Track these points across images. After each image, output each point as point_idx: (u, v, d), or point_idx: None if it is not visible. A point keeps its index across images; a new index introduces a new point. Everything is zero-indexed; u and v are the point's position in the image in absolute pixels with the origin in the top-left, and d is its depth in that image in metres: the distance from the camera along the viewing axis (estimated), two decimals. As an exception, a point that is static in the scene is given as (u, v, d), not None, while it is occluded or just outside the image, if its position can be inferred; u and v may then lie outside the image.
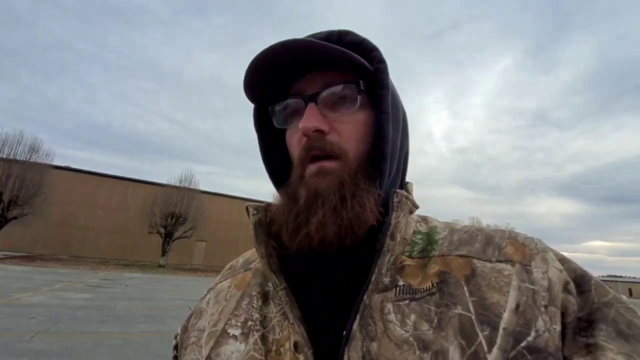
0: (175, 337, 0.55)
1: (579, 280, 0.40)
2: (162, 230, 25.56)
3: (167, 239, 25.68)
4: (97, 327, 5.99)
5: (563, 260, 0.42)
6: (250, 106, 0.57)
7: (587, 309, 0.38)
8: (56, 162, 24.70)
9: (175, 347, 0.54)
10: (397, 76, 0.52)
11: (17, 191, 20.33)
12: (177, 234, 26.13)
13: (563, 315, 0.37)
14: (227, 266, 0.61)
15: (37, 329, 5.45)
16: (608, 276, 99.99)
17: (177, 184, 27.71)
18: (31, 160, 21.79)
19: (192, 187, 28.28)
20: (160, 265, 24.89)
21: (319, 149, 0.45)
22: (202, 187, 29.96)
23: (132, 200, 28.35)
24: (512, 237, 0.45)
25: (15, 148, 21.54)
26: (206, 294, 0.56)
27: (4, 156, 20.78)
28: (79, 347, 4.82)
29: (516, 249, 0.43)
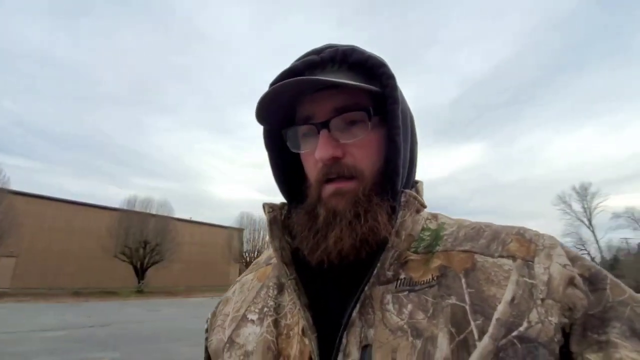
0: (207, 321, 0.61)
1: (593, 279, 0.41)
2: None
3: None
4: None
5: (575, 258, 0.43)
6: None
7: (601, 306, 0.38)
8: None
9: (206, 330, 0.60)
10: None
11: None
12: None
13: (571, 310, 0.38)
14: (254, 262, 0.66)
15: None
16: None
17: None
18: None
19: (-2, 185, 21.60)
20: None
21: (336, 172, 0.48)
22: (14, 187, 23.31)
23: None
24: (520, 234, 0.47)
25: None
26: (233, 285, 0.63)
27: None
28: None
29: (521, 245, 0.45)
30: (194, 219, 39.61)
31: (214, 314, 0.61)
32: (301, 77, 0.47)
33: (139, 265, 26.67)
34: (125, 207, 28.00)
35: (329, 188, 0.48)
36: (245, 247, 37.78)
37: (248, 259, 36.82)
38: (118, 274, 27.49)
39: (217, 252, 37.35)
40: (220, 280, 38.42)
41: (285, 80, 0.46)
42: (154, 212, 28.84)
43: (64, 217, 27.23)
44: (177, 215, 32.14)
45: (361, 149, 0.49)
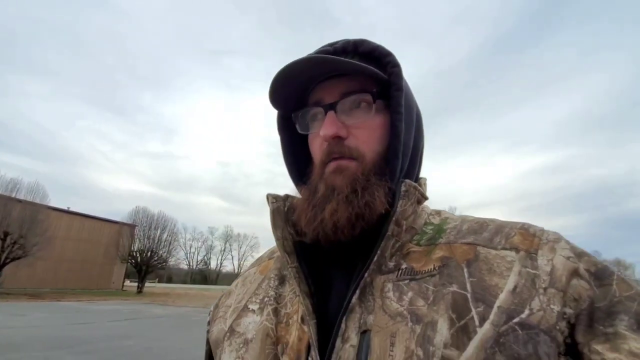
0: (209, 314, 0.63)
1: (600, 274, 0.41)
2: None
3: None
4: None
5: (582, 253, 0.43)
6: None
7: (607, 300, 0.38)
8: None
9: (208, 322, 0.62)
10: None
11: None
12: None
13: (577, 301, 0.38)
14: (257, 257, 0.69)
15: None
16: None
17: None
18: None
19: None
20: None
21: (339, 152, 0.50)
22: None
23: None
24: (524, 228, 0.47)
25: None
26: (237, 279, 0.65)
27: None
28: None
29: (524, 239, 0.45)
30: (73, 209, 34.06)
31: (216, 306, 0.62)
32: (309, 55, 0.50)
33: (-8, 261, 21.53)
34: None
35: (331, 165, 0.50)
36: (137, 245, 33.77)
37: (139, 258, 32.93)
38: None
39: (99, 249, 32.82)
40: (100, 283, 33.62)
41: (296, 59, 0.49)
42: (21, 197, 23.93)
43: None
44: (51, 204, 27.15)
45: (364, 131, 0.51)
